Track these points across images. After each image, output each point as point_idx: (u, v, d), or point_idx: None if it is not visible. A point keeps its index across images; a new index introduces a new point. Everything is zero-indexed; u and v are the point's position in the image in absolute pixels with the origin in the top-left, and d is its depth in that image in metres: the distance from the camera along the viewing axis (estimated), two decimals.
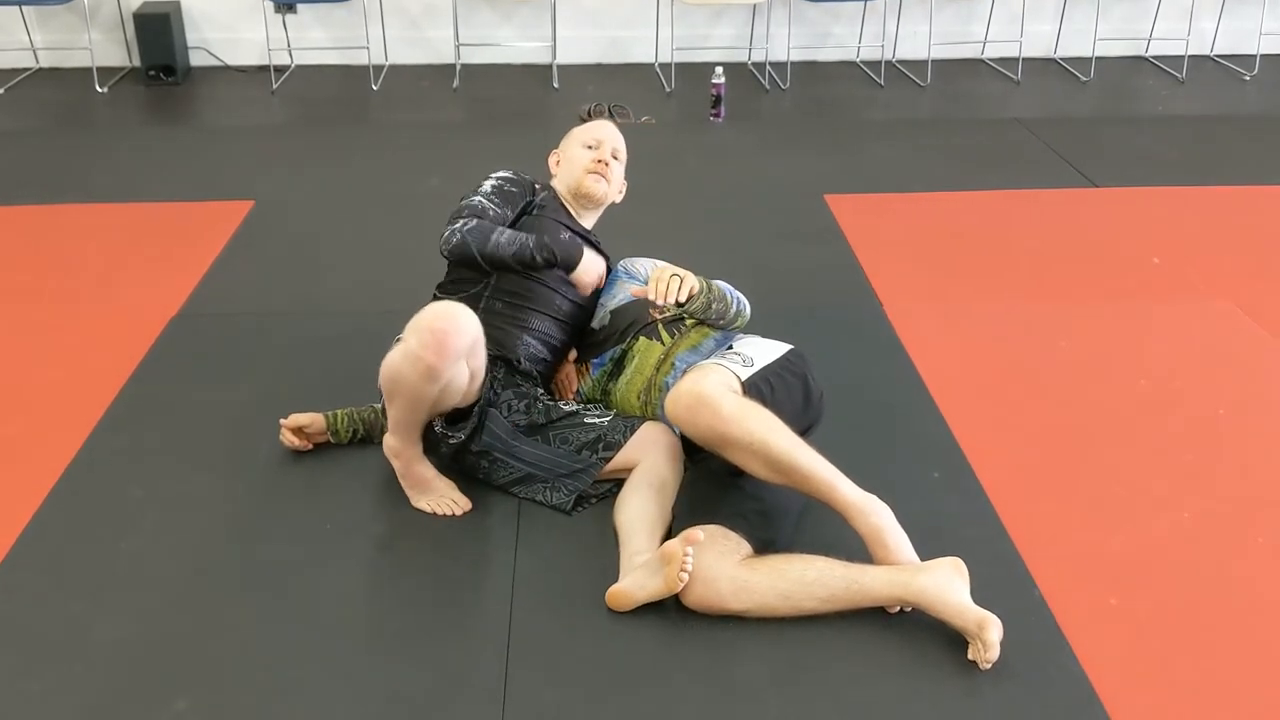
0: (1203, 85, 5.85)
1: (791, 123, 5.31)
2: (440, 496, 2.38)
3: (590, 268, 2.50)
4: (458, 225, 2.43)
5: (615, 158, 2.74)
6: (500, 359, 2.45)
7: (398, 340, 2.24)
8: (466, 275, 2.56)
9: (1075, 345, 3.09)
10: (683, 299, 2.35)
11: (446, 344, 2.14)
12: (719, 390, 2.12)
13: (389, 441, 2.36)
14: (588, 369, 2.61)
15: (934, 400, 2.80)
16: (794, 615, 2.03)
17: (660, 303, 2.33)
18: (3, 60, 5.77)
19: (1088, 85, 5.84)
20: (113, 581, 2.18)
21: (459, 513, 2.36)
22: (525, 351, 2.51)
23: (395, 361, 2.20)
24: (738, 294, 2.62)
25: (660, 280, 2.33)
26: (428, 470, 2.38)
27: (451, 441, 2.37)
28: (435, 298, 2.56)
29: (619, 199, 2.79)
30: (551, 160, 2.83)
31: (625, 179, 2.81)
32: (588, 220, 2.75)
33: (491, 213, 2.51)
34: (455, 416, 2.35)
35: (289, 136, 4.97)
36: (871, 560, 2.08)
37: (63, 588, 2.16)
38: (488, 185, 2.60)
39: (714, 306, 2.50)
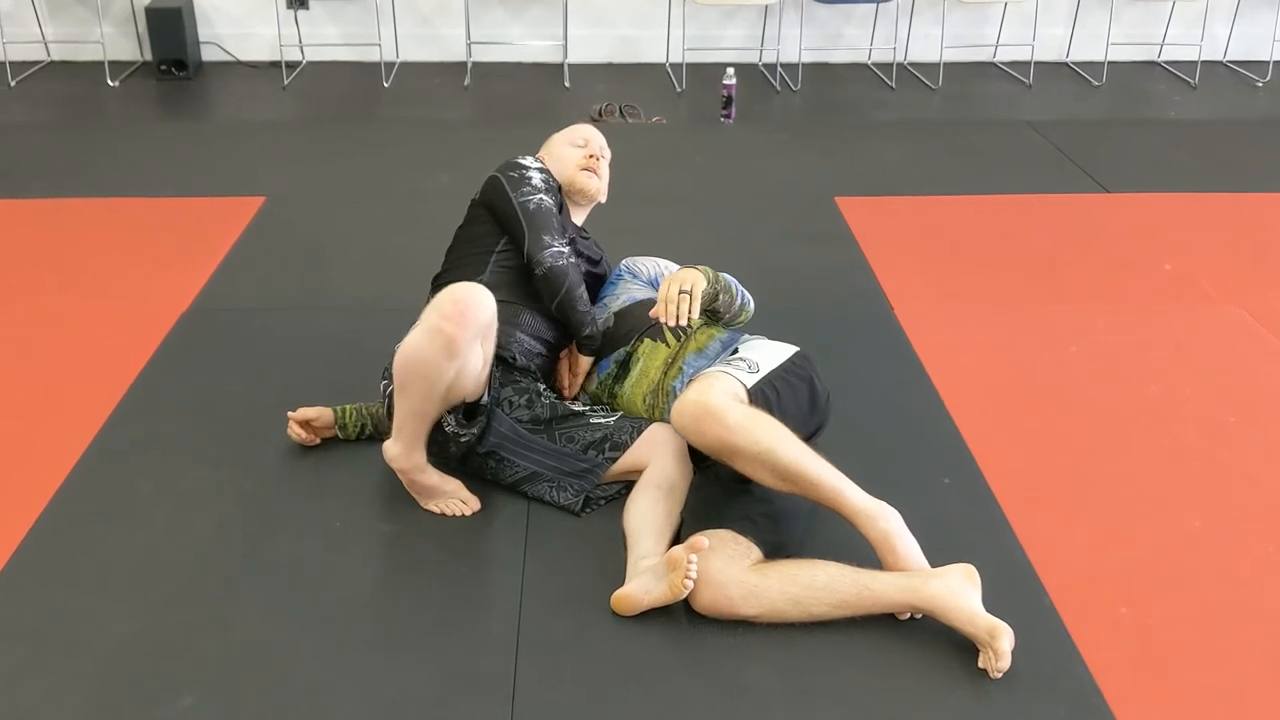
0: (1215, 91, 5.84)
1: (802, 124, 5.30)
2: (449, 498, 2.37)
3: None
4: (564, 250, 2.49)
5: (603, 155, 2.76)
6: (497, 358, 2.45)
7: (413, 328, 2.24)
8: (460, 276, 2.54)
9: (1086, 350, 3.08)
10: (695, 315, 2.34)
11: (468, 315, 2.14)
12: (724, 400, 2.11)
13: (390, 449, 2.30)
14: (593, 372, 2.61)
15: (944, 404, 2.79)
16: (804, 620, 2.03)
17: (670, 324, 2.32)
18: (14, 53, 5.78)
19: (1100, 90, 5.82)
20: (121, 577, 2.18)
21: (469, 512, 2.36)
22: (520, 348, 2.51)
23: (415, 339, 2.18)
24: (743, 289, 2.62)
25: (669, 301, 2.32)
26: (432, 477, 2.34)
27: (463, 440, 2.35)
28: (433, 292, 2.55)
29: (603, 199, 2.80)
30: None
31: (629, 187, 2.80)
32: (577, 218, 2.75)
33: (557, 222, 2.54)
34: (465, 414, 2.35)
35: (300, 132, 4.97)
36: (882, 566, 2.08)
37: (71, 583, 2.16)
38: (538, 178, 2.57)
39: (720, 298, 2.51)
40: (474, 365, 2.22)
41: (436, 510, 2.36)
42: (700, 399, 2.11)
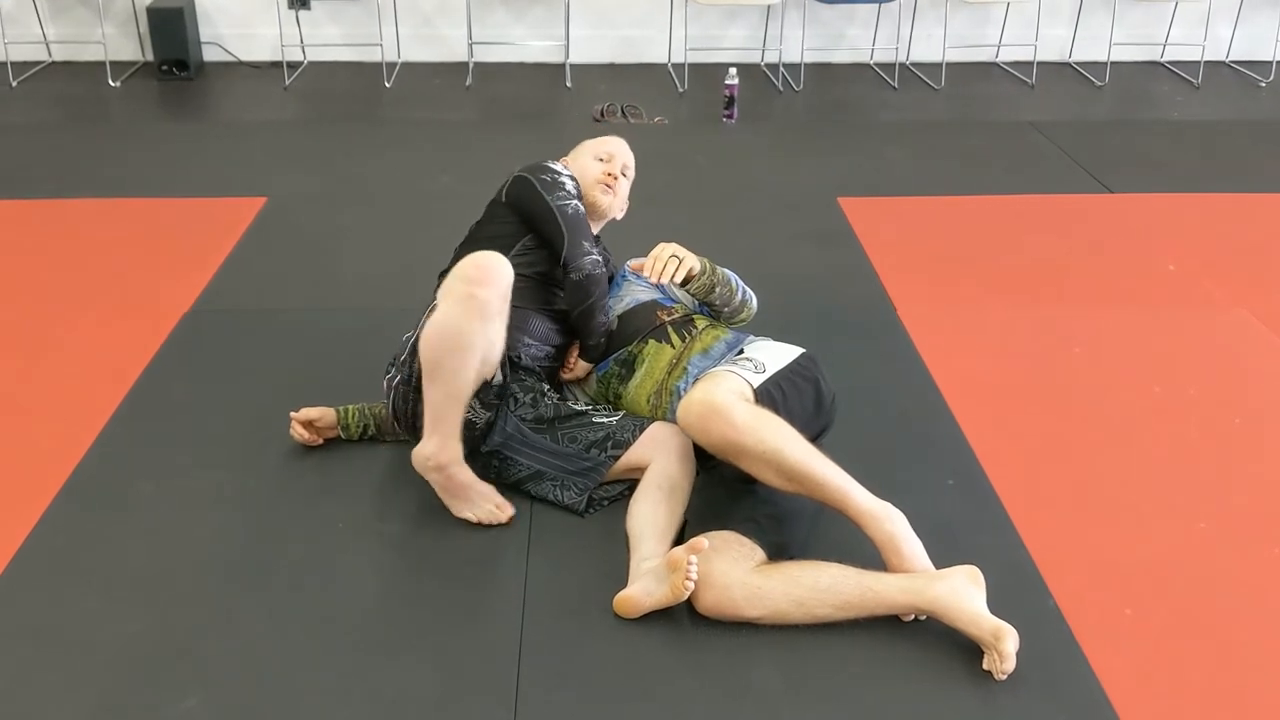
0: (1218, 91, 5.83)
1: (805, 124, 5.30)
2: (483, 504, 2.33)
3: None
4: (599, 259, 2.51)
5: (624, 174, 2.73)
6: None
7: (428, 310, 2.24)
8: None
9: (1090, 352, 3.07)
10: (678, 281, 2.36)
11: (493, 276, 2.17)
12: (731, 399, 2.10)
13: (425, 448, 2.24)
14: (591, 374, 2.60)
15: (948, 405, 2.78)
16: (808, 622, 2.02)
17: (653, 281, 2.33)
18: (16, 53, 5.78)
19: (1102, 90, 5.82)
20: (123, 578, 2.18)
21: (505, 519, 2.32)
22: (526, 351, 2.50)
23: (443, 314, 2.17)
24: (744, 285, 2.61)
25: (659, 259, 2.36)
26: (467, 474, 2.30)
27: (478, 426, 2.34)
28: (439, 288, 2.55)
29: (620, 215, 2.78)
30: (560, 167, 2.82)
31: (633, 192, 2.80)
32: (593, 229, 2.74)
33: (590, 229, 2.57)
34: (479, 398, 2.33)
35: (302, 133, 4.97)
36: (886, 568, 2.07)
37: (73, 583, 2.16)
38: (569, 185, 2.56)
39: (718, 290, 2.51)
40: (500, 337, 2.23)
41: (473, 519, 2.31)
42: (707, 397, 2.10)
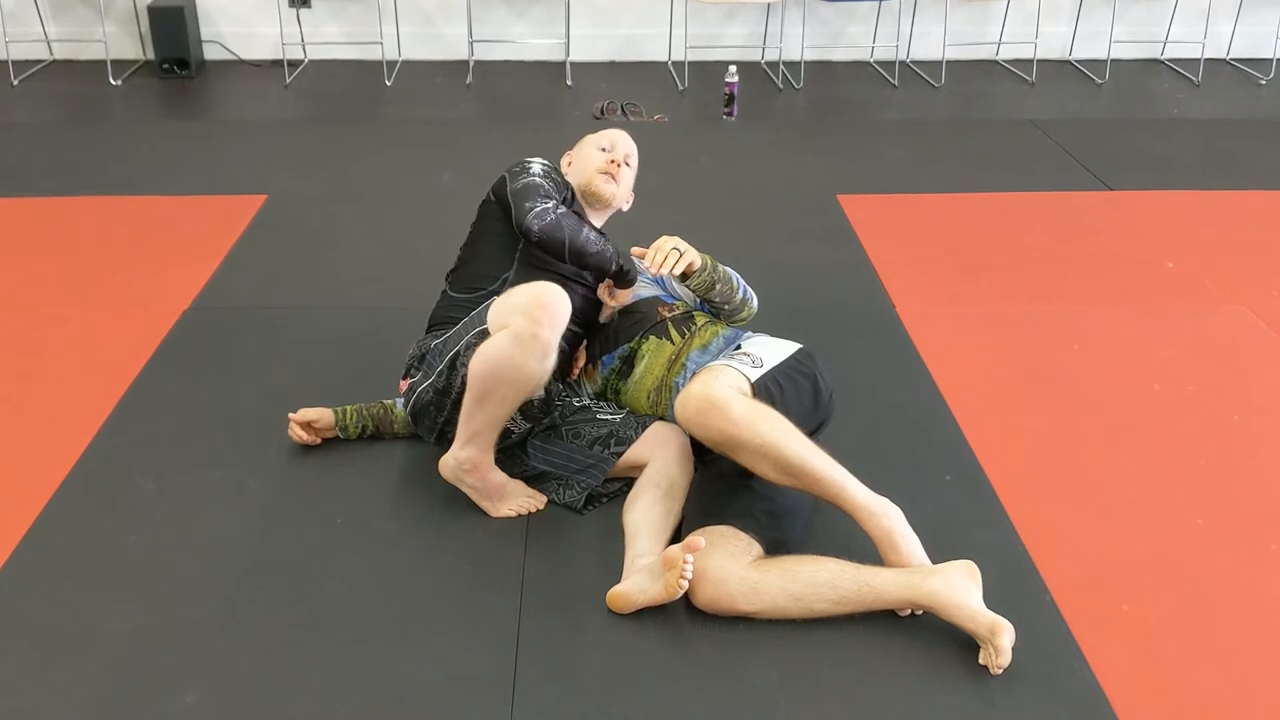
0: (1218, 89, 5.83)
1: (805, 122, 5.30)
2: (517, 497, 2.35)
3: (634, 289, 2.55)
4: (548, 206, 2.39)
5: (627, 163, 2.72)
6: None
7: (477, 333, 2.23)
8: (483, 269, 2.53)
9: (1088, 349, 3.07)
10: (677, 273, 2.36)
11: (559, 317, 2.15)
12: (728, 393, 2.11)
13: (462, 457, 2.27)
14: (596, 366, 2.60)
15: (946, 402, 2.78)
16: (804, 617, 2.02)
17: (653, 272, 2.34)
18: (17, 52, 5.79)
19: (1103, 88, 5.81)
20: (123, 575, 2.18)
21: (541, 506, 2.35)
22: None
23: (502, 349, 2.15)
24: (745, 284, 2.62)
25: (660, 250, 2.35)
26: (500, 474, 2.33)
27: (514, 435, 2.36)
28: (446, 295, 2.55)
29: (626, 207, 2.77)
30: (564, 161, 2.80)
31: (633, 189, 2.78)
32: (596, 221, 2.73)
33: (547, 188, 2.48)
34: (522, 411, 2.35)
35: (302, 131, 4.97)
36: (882, 563, 2.07)
37: (73, 581, 2.16)
38: (538, 167, 2.54)
39: (718, 287, 2.51)
40: (554, 361, 2.22)
41: (511, 513, 2.33)
42: (704, 391, 2.10)
